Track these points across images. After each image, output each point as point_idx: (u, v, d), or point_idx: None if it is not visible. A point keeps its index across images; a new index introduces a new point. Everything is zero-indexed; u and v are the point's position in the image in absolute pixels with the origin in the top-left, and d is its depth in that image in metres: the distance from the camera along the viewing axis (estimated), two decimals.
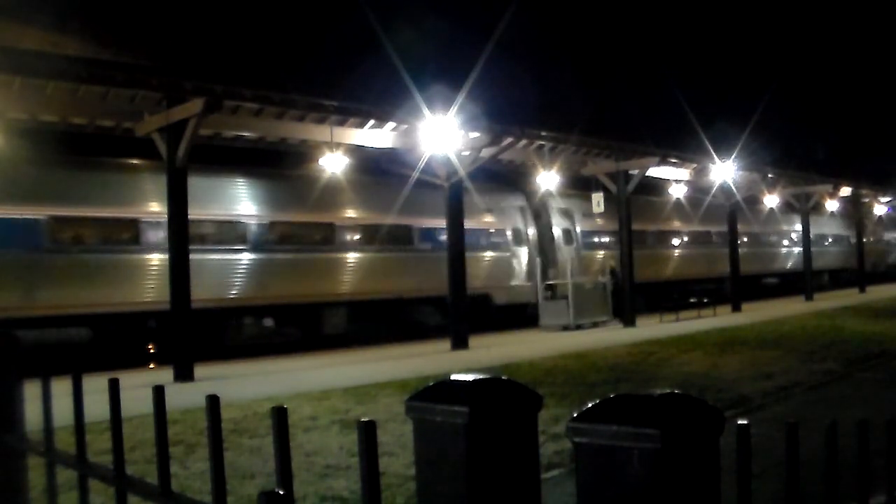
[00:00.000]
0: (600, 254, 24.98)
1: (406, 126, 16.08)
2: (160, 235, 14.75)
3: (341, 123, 15.76)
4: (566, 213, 23.83)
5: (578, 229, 24.27)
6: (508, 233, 21.84)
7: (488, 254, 21.18)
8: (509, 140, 16.95)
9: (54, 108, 13.27)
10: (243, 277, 16.88)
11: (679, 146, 22.88)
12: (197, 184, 14.17)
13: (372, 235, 18.83)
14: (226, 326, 16.85)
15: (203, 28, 24.63)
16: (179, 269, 12.76)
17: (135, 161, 16.18)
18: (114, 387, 1.88)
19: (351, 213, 18.70)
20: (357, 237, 18.73)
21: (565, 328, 20.16)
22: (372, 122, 16.12)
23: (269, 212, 17.37)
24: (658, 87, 45.22)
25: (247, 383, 11.60)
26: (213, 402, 1.58)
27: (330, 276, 18.28)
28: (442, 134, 15.41)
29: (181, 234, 12.81)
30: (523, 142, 18.37)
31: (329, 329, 18.30)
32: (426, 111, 14.98)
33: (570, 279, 20.49)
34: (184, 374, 12.28)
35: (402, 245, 19.51)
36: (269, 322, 17.54)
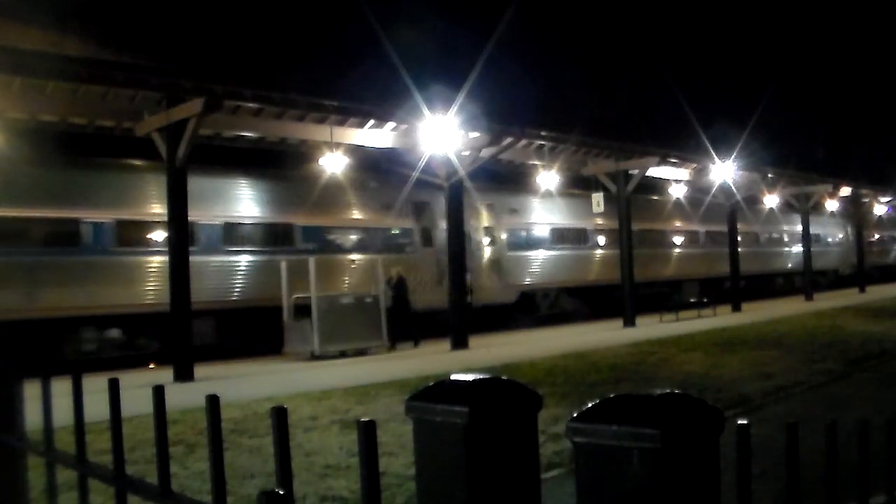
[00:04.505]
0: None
1: (406, 126, 16.08)
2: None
3: (341, 123, 15.76)
4: (841, 225, 40.28)
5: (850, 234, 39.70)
6: (829, 239, 39.60)
7: (826, 249, 38.40)
8: (509, 140, 16.97)
9: (54, 108, 13.27)
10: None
11: (679, 146, 22.89)
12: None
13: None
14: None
15: (203, 28, 24.63)
16: (179, 270, 12.76)
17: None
18: (114, 387, 1.88)
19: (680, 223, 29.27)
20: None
21: (314, 356, 15.42)
22: (372, 122, 16.12)
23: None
24: (658, 86, 45.25)
25: (247, 383, 11.61)
26: (212, 402, 1.58)
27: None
28: (442, 134, 15.40)
29: (181, 235, 12.81)
30: (523, 142, 18.39)
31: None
32: (426, 111, 14.97)
33: (314, 293, 15.63)
34: (184, 374, 12.29)
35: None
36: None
